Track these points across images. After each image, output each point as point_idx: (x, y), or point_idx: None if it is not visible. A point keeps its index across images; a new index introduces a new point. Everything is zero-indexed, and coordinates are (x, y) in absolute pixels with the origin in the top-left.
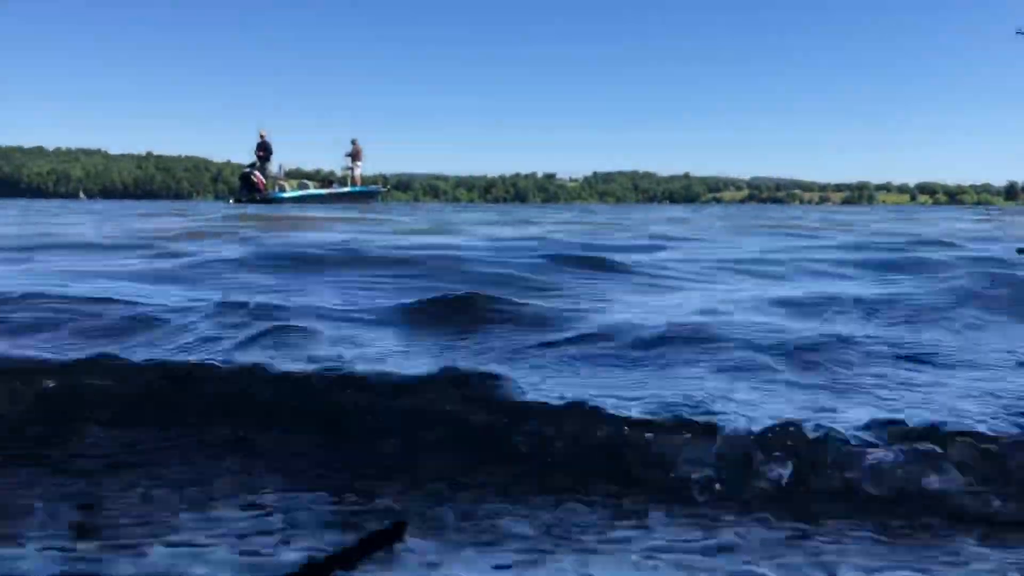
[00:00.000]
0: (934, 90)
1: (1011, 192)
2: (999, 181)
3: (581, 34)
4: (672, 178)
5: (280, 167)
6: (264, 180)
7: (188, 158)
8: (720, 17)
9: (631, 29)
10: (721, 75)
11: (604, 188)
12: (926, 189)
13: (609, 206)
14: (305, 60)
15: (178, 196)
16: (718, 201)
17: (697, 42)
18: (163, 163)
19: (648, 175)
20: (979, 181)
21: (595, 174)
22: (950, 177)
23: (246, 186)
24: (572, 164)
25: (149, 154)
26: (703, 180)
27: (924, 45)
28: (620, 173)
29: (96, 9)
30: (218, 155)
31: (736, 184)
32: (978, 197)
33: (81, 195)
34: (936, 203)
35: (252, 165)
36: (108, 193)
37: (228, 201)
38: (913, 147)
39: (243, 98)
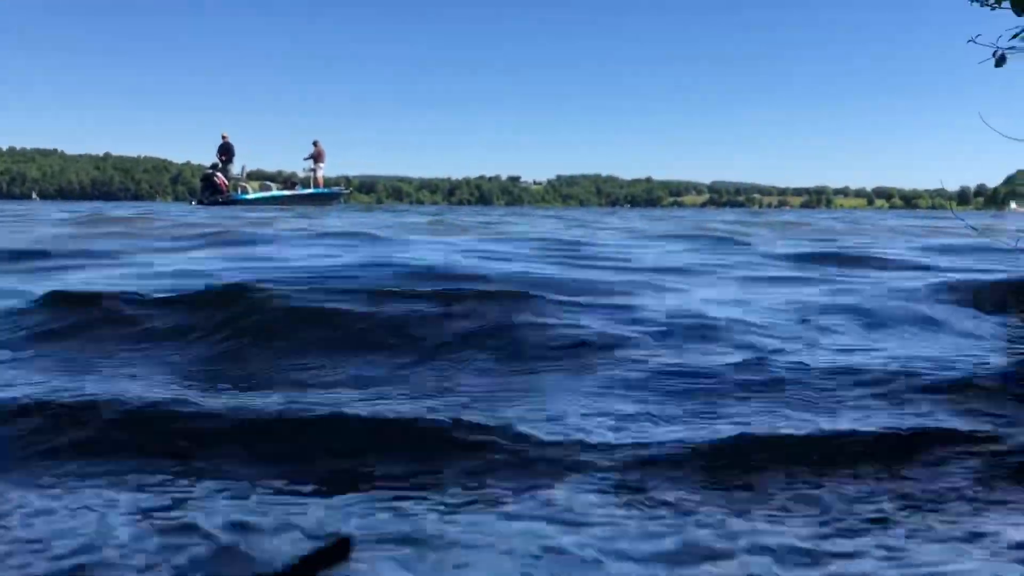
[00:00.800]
0: (891, 97)
1: (964, 197)
2: (952, 186)
3: (546, 37)
4: (634, 182)
5: (242, 169)
6: (226, 182)
7: (147, 159)
8: (682, 22)
9: (594, 33)
10: (683, 80)
11: (568, 191)
12: (883, 193)
13: (572, 209)
14: (266, 60)
15: (137, 197)
16: (679, 205)
17: (659, 47)
18: (121, 164)
19: (611, 179)
20: (933, 186)
21: (559, 177)
22: (906, 182)
23: (208, 188)
24: (536, 167)
25: (107, 155)
26: (665, 184)
27: (881, 52)
28: (584, 176)
29: (51, 8)
30: (178, 156)
31: (697, 188)
32: (932, 201)
33: (34, 196)
34: (892, 207)
35: (214, 167)
36: (65, 194)
37: (190, 203)
38: (870, 152)
39: (203, 99)
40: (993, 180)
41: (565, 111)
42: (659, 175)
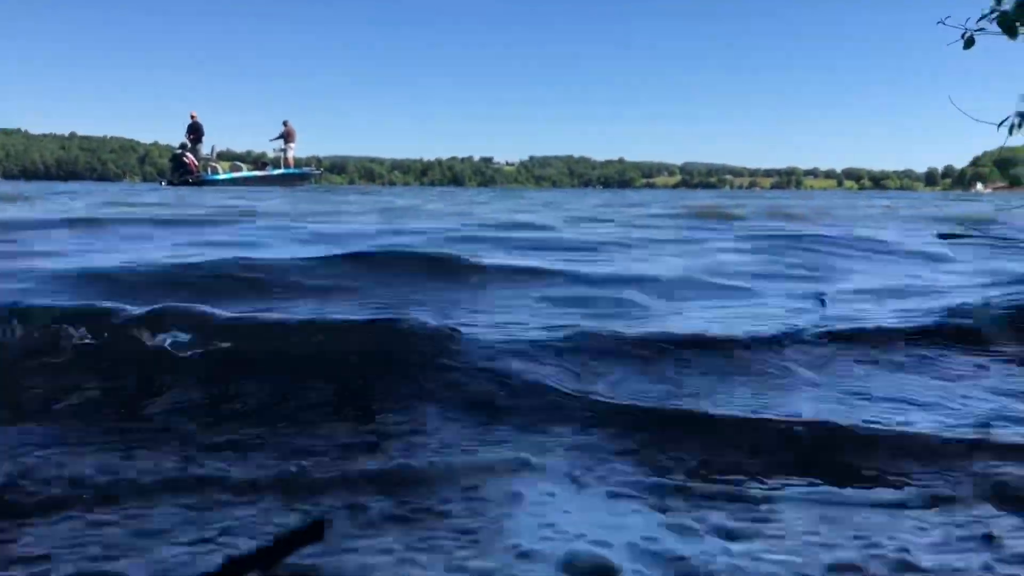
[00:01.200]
0: (861, 79)
1: (931, 178)
2: (921, 167)
3: (518, 18)
4: (607, 163)
5: (212, 149)
6: (196, 162)
7: (114, 139)
8: (653, 5)
9: (566, 14)
10: (655, 62)
11: (540, 172)
12: (852, 175)
13: (545, 191)
14: (235, 39)
15: (104, 178)
16: (651, 186)
17: (631, 29)
18: (87, 144)
19: (584, 160)
20: (901, 167)
21: (531, 158)
22: (875, 163)
23: (178, 168)
24: (509, 148)
25: (72, 134)
26: (637, 165)
27: (852, 35)
28: (556, 157)
29: None
30: (145, 136)
31: (669, 169)
32: (901, 182)
33: None
34: (861, 188)
35: (183, 147)
36: (29, 174)
37: (160, 184)
38: (840, 134)
39: (171, 78)
40: (961, 162)
41: (538, 92)
42: (631, 156)
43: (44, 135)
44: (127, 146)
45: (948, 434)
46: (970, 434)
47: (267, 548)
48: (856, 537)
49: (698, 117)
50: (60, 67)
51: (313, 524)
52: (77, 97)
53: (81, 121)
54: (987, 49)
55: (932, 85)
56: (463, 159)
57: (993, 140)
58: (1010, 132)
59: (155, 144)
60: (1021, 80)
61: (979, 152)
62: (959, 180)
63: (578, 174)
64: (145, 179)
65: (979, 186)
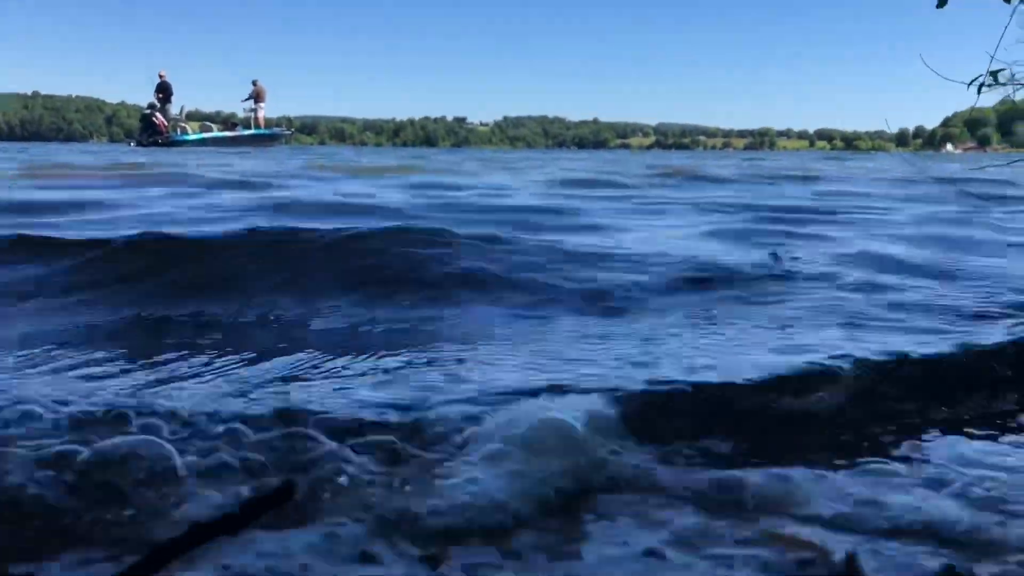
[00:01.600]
0: (834, 39)
1: (903, 139)
2: (892, 128)
3: None
4: (581, 123)
5: (181, 109)
6: (165, 123)
7: (79, 98)
8: None
9: None
10: (629, 21)
11: (514, 132)
12: (824, 135)
13: (519, 151)
14: None
15: (70, 139)
16: (626, 147)
17: None
18: (51, 103)
19: (558, 120)
20: (873, 128)
21: (505, 118)
22: (847, 124)
23: (147, 128)
24: (483, 108)
25: (36, 94)
26: (611, 126)
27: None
28: (530, 118)
29: None
30: (112, 96)
31: (643, 130)
32: (872, 143)
33: None
34: (834, 148)
35: (152, 107)
36: None
37: (129, 144)
38: (813, 95)
39: (137, 35)
40: (932, 122)
41: (512, 52)
42: (606, 116)
43: (6, 94)
44: (93, 106)
45: None
46: None
47: (234, 514)
48: None
49: (672, 77)
50: (21, 24)
51: (282, 488)
52: (39, 54)
53: (44, 80)
54: (961, 8)
55: (905, 46)
56: (436, 119)
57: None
58: (979, 92)
59: (122, 104)
60: (993, 40)
61: (950, 113)
62: (929, 141)
63: (552, 135)
64: (112, 140)
65: (949, 147)
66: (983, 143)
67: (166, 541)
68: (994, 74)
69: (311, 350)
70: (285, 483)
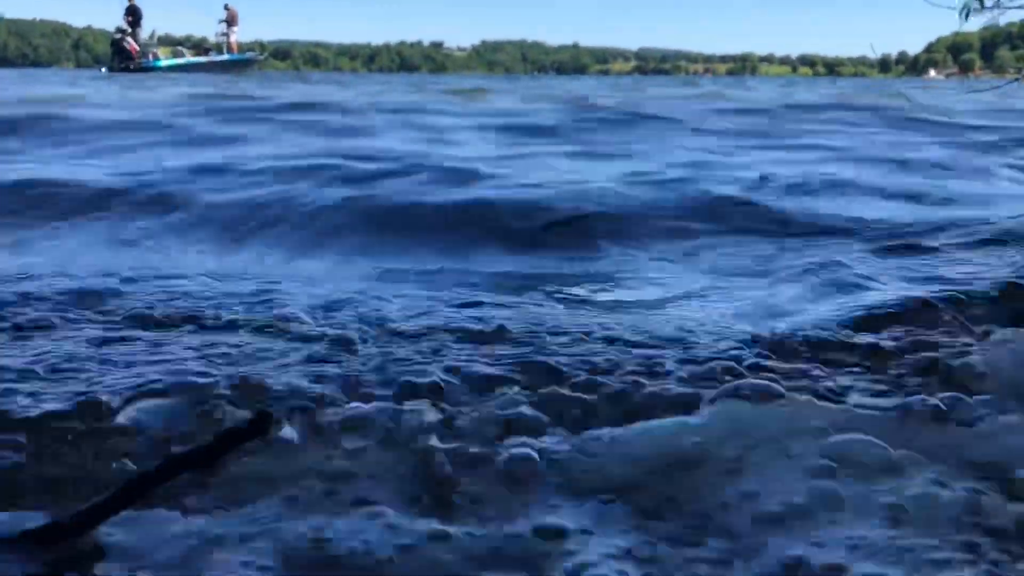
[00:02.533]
0: None
1: (885, 65)
2: (874, 54)
3: None
4: (561, 48)
5: (152, 33)
6: (137, 48)
7: (44, 23)
8: None
9: None
10: None
11: (493, 58)
12: (807, 61)
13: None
14: None
15: (36, 64)
16: (606, 73)
17: None
18: (16, 27)
19: (537, 45)
20: (856, 53)
21: (483, 43)
22: (830, 49)
23: (118, 54)
24: (460, 32)
25: (0, 17)
26: (591, 51)
27: None
28: (509, 42)
29: None
30: (77, 19)
31: (624, 55)
32: (856, 69)
33: None
34: (816, 75)
35: (121, 31)
36: None
37: (100, 70)
38: (795, 20)
39: None
40: (916, 48)
41: None
42: (586, 41)
43: None
44: (59, 30)
45: None
46: None
47: (208, 445)
48: None
49: (654, 1)
50: None
51: (258, 418)
52: None
53: (7, 2)
54: None
55: None
56: (412, 44)
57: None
58: (965, 17)
59: (88, 28)
60: None
61: (933, 39)
62: (912, 66)
63: (532, 60)
64: (80, 65)
65: (932, 72)
66: (966, 68)
67: (138, 474)
68: None
69: None
70: (260, 414)
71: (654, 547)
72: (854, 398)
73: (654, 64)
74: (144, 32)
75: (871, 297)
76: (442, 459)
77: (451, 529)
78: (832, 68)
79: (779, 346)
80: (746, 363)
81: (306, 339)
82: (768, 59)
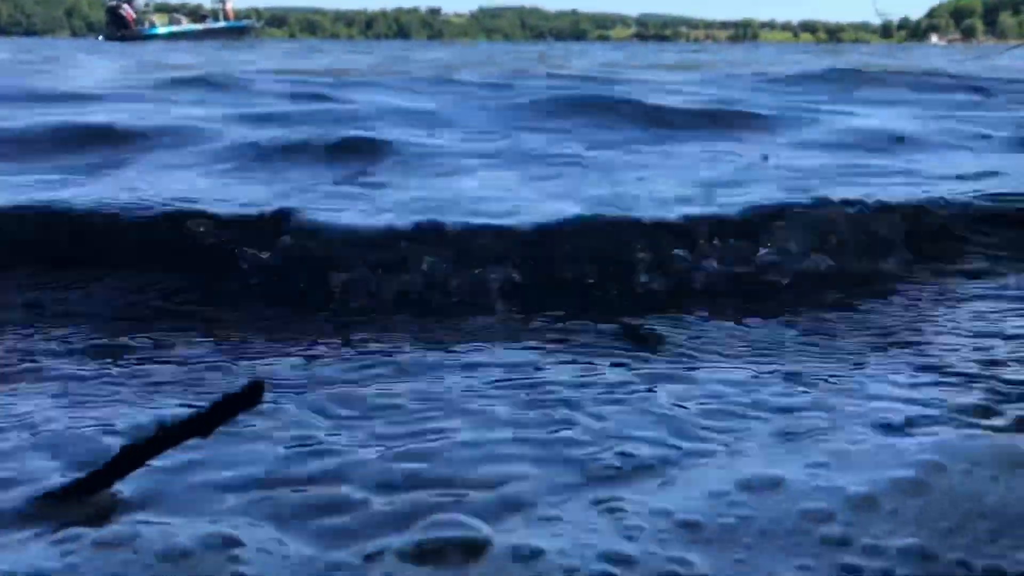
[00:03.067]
0: None
1: (887, 30)
2: (876, 19)
3: None
4: (560, 15)
5: (148, 1)
6: (133, 15)
7: None
8: None
9: None
10: None
11: (492, 24)
12: (808, 27)
13: (497, 43)
14: None
15: (30, 33)
16: (606, 39)
17: None
18: None
19: (536, 11)
20: (857, 19)
21: (482, 9)
22: (830, 15)
23: (115, 21)
24: None
25: None
26: (591, 17)
27: None
28: (508, 8)
29: None
30: None
31: (624, 21)
32: (857, 35)
33: None
34: (817, 41)
35: None
36: None
37: (97, 38)
38: None
39: None
40: (917, 12)
41: None
42: (585, 7)
43: None
44: None
45: None
46: None
47: (202, 414)
48: None
49: None
50: None
51: (250, 387)
52: None
53: None
54: None
55: None
56: (409, 10)
57: None
58: None
59: None
60: None
61: (935, 3)
62: (914, 32)
63: (530, 26)
64: (75, 34)
65: (933, 38)
66: (968, 34)
67: (133, 444)
68: None
69: None
70: (254, 383)
71: None
72: None
73: (655, 30)
74: (140, 0)
75: None
76: None
77: None
78: (833, 34)
79: None
80: None
81: None
82: (770, 25)
